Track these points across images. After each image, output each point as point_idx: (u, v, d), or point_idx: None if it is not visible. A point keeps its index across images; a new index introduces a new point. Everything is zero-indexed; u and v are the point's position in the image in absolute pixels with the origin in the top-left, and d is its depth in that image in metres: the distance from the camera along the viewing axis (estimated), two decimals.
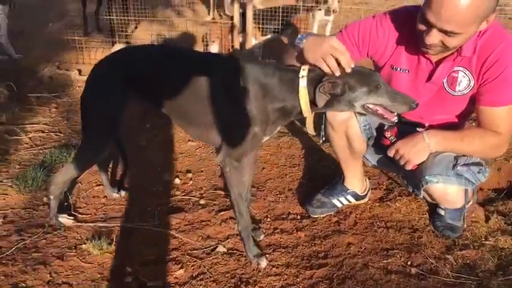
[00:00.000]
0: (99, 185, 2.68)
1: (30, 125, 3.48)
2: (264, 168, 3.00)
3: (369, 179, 2.78)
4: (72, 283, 1.98)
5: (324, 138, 2.25)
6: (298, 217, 2.49)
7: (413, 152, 1.99)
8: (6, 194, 2.58)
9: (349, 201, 2.51)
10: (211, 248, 2.23)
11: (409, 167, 2.02)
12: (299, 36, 1.93)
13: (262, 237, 2.30)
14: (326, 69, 1.79)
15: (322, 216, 2.47)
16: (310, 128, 1.94)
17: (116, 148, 2.42)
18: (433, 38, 1.80)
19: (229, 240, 2.28)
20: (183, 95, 1.98)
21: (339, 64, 1.79)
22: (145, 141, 3.27)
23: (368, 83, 1.83)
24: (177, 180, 2.82)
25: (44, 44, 5.50)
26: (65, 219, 2.36)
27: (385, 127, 2.10)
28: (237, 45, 5.14)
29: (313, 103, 1.85)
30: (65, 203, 2.52)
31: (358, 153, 2.34)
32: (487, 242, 2.29)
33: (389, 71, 2.12)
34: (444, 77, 2.02)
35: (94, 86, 2.10)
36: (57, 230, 2.31)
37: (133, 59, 2.07)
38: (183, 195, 2.67)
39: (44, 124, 3.52)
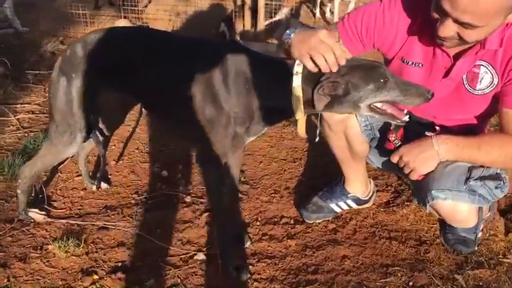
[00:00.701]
0: (80, 175, 2.47)
1: (21, 105, 3.29)
2: (261, 162, 2.74)
3: (376, 179, 2.50)
4: None
5: (318, 138, 1.97)
6: (292, 222, 2.23)
7: (419, 159, 1.69)
8: None
9: (350, 206, 2.24)
10: (190, 254, 2.00)
11: (414, 177, 1.73)
12: (287, 31, 1.63)
13: (248, 244, 2.06)
14: (310, 67, 1.51)
15: (318, 221, 2.21)
16: (301, 131, 1.67)
17: (95, 140, 2.19)
18: (448, 29, 1.50)
19: (211, 246, 2.04)
20: (160, 88, 1.74)
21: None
22: (135, 127, 3.04)
23: (374, 79, 1.53)
24: (164, 173, 2.58)
25: (51, 18, 5.30)
26: (35, 215, 2.16)
27: (391, 126, 1.81)
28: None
29: (307, 104, 1.57)
30: (40, 196, 2.32)
31: (359, 155, 2.06)
32: (505, 260, 2.00)
33: (400, 64, 1.82)
34: (464, 72, 1.71)
35: (63, 69, 1.86)
36: (25, 226, 2.12)
37: (113, 43, 1.82)
38: (168, 190, 2.44)
39: (35, 104, 3.32)
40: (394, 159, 1.74)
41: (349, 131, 1.94)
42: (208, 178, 1.76)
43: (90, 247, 2.02)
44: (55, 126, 1.92)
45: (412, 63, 1.79)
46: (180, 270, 1.92)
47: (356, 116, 1.90)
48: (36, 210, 2.18)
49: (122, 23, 3.70)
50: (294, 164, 2.72)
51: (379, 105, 1.56)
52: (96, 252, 2.00)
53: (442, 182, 1.70)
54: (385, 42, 1.79)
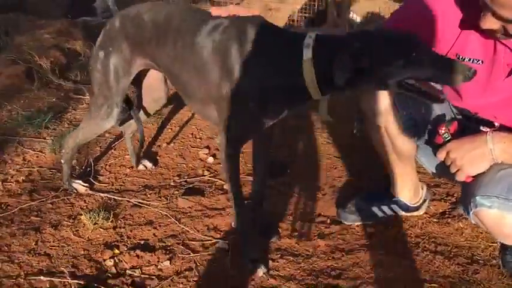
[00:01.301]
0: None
1: None
2: (313, 157, 2.60)
3: (436, 187, 2.24)
4: (53, 255, 1.84)
5: (356, 131, 1.79)
6: (328, 221, 2.06)
7: (468, 158, 1.45)
8: (42, 152, 2.54)
9: (395, 212, 2.02)
10: (212, 242, 1.93)
11: (461, 178, 1.50)
12: None
13: (274, 238, 1.94)
14: None
15: (356, 224, 2.02)
16: (323, 113, 1.52)
17: (135, 117, 2.21)
18: (489, 23, 1.29)
19: (235, 236, 1.95)
20: (179, 62, 1.69)
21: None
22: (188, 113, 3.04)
23: (404, 52, 1.35)
24: (210, 159, 2.54)
25: None
26: (78, 186, 2.24)
27: (447, 118, 1.59)
28: None
29: (325, 81, 1.42)
30: (88, 169, 2.41)
31: (404, 155, 1.83)
32: None
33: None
34: None
35: (102, 43, 1.89)
36: (68, 195, 2.19)
37: (143, 17, 1.81)
38: (210, 176, 2.39)
39: None
40: (441, 155, 1.52)
41: (390, 126, 1.73)
42: (224, 161, 1.66)
43: (119, 222, 2.03)
44: (94, 99, 1.96)
45: (470, 60, 1.55)
46: (198, 255, 1.86)
47: (397, 109, 1.69)
48: (80, 181, 2.25)
49: None
50: (347, 162, 2.53)
51: (411, 81, 1.36)
52: (124, 227, 2.01)
53: (490, 188, 1.45)
54: (434, 37, 1.57)
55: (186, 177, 2.39)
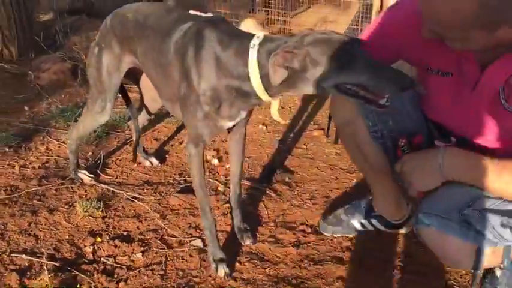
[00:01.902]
0: (145, 150, 2.64)
1: None
2: (318, 167, 2.57)
3: None
4: (40, 237, 1.98)
5: (328, 135, 1.74)
6: (309, 230, 2.04)
7: (417, 172, 1.40)
8: (64, 143, 2.73)
9: (375, 227, 1.96)
10: (189, 239, 1.98)
11: (412, 193, 1.45)
12: None
13: (248, 242, 1.95)
14: None
15: (335, 236, 1.98)
16: (274, 114, 1.52)
17: (131, 114, 2.33)
18: (426, 32, 1.25)
19: None
20: (152, 61, 1.77)
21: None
22: None
23: (338, 56, 1.32)
24: (215, 161, 2.60)
25: None
26: (84, 176, 2.38)
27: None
28: None
29: (268, 82, 1.43)
30: (98, 161, 2.56)
31: (378, 168, 1.77)
32: None
33: (423, 74, 1.53)
34: (497, 85, 1.36)
35: (98, 39, 2.03)
36: (72, 184, 2.35)
37: (127, 16, 1.91)
38: (209, 178, 2.45)
39: None
40: (397, 167, 1.48)
41: (358, 136, 1.69)
42: (188, 160, 1.72)
43: (109, 213, 2.14)
44: (91, 94, 2.10)
45: (438, 72, 1.49)
46: (171, 251, 1.92)
47: (363, 118, 1.65)
48: (86, 172, 2.40)
49: (249, 22, 3.79)
50: (350, 175, 2.48)
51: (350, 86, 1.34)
52: (112, 218, 2.11)
53: (433, 205, 1.38)
54: (402, 47, 1.53)
55: (186, 176, 2.46)
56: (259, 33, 1.46)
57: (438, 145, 1.40)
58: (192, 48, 1.54)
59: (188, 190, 2.33)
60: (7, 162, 2.52)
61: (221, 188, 2.36)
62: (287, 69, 1.35)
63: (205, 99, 1.54)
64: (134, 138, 2.40)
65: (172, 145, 2.81)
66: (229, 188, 2.31)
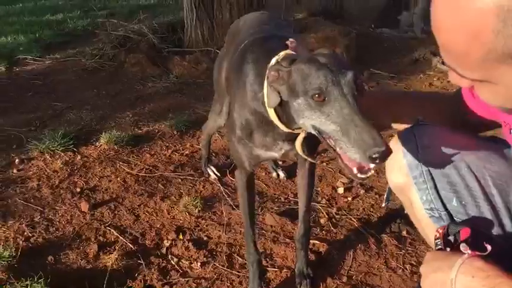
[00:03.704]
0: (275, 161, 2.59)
1: None
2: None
3: None
4: (139, 218, 2.16)
5: (385, 203, 1.36)
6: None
7: (430, 279, 1.03)
8: (222, 137, 2.89)
9: None
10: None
11: None
12: None
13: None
14: None
15: None
16: (298, 148, 1.30)
17: None
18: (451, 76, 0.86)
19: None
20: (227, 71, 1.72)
21: None
22: None
23: (309, 87, 1.06)
24: (340, 190, 2.37)
25: None
26: (211, 172, 2.49)
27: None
28: None
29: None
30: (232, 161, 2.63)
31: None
32: None
33: (510, 136, 1.08)
34: None
35: (224, 46, 2.06)
36: (200, 177, 2.48)
37: (239, 23, 1.91)
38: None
39: None
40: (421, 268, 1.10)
41: (415, 206, 1.26)
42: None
43: (206, 214, 2.20)
44: (215, 96, 2.16)
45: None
46: (228, 271, 1.85)
47: (414, 187, 1.22)
48: (214, 169, 2.51)
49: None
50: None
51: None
52: (205, 220, 2.16)
53: None
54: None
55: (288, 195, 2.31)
56: (282, 52, 1.24)
57: (463, 251, 0.96)
58: (234, 69, 1.45)
59: (290, 214, 2.19)
60: (166, 144, 2.83)
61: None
62: (279, 92, 1.15)
63: (237, 123, 1.42)
64: None
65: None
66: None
